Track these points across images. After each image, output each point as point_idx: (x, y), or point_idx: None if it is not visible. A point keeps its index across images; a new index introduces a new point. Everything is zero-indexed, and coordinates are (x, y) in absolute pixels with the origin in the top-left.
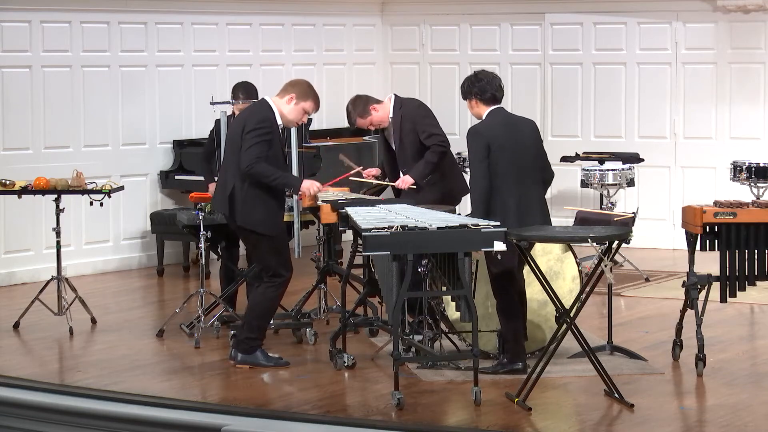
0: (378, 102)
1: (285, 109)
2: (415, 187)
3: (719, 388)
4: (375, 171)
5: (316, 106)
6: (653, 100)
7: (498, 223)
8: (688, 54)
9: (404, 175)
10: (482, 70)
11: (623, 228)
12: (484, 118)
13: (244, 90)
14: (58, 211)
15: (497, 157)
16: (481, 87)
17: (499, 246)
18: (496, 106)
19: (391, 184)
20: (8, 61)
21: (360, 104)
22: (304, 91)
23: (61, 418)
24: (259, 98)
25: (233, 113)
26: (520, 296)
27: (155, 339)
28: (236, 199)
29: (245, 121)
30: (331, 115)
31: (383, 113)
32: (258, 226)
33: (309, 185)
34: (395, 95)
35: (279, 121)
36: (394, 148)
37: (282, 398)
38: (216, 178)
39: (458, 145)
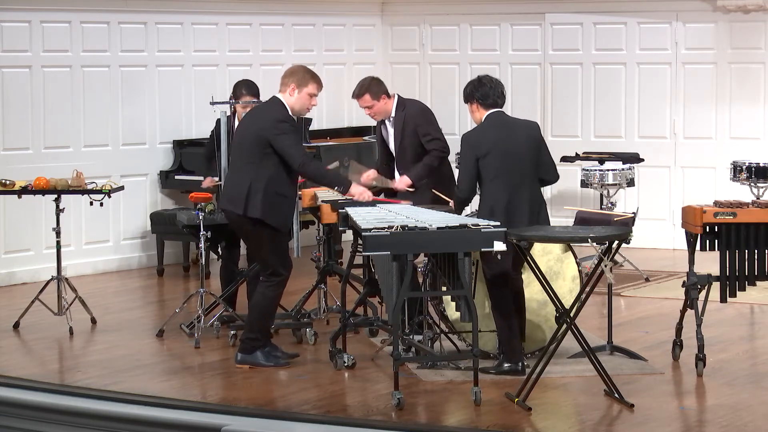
0: (389, 96)
1: (291, 102)
2: (412, 189)
3: (719, 388)
4: (372, 173)
5: (319, 85)
6: (653, 100)
7: (498, 223)
8: (688, 54)
9: (401, 176)
10: (486, 75)
11: (623, 228)
12: (482, 121)
13: (247, 87)
14: (58, 211)
15: (486, 162)
16: (484, 92)
17: (499, 246)
18: (496, 110)
19: (389, 184)
20: (8, 61)
21: (377, 86)
22: (302, 76)
23: (61, 418)
24: (260, 95)
25: (234, 113)
26: (518, 296)
27: (155, 339)
28: (253, 195)
29: (262, 121)
30: (331, 115)
31: (388, 108)
32: (274, 220)
33: (362, 191)
34: (398, 95)
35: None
36: (392, 148)
37: (282, 398)
38: (214, 177)
39: (458, 146)
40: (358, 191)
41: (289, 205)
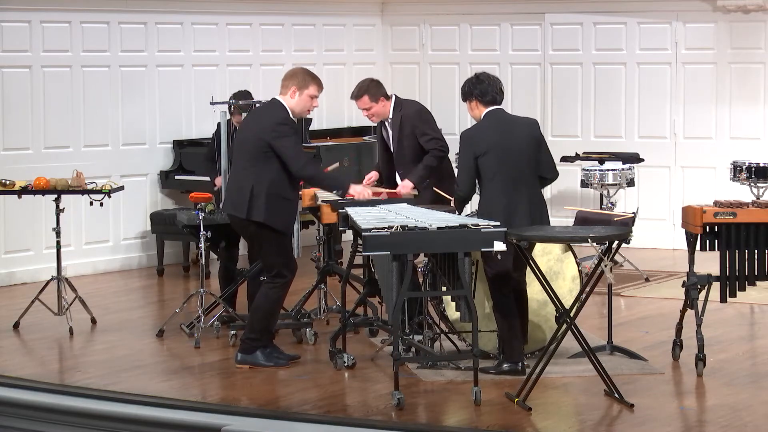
0: (388, 98)
1: (292, 104)
2: (416, 192)
3: (719, 388)
4: (374, 176)
5: (320, 86)
6: (653, 100)
7: (498, 223)
8: (688, 54)
9: (401, 178)
10: (483, 72)
11: (623, 228)
12: (481, 119)
13: (244, 99)
14: (58, 211)
15: (486, 161)
16: (483, 89)
17: (499, 246)
18: (495, 108)
19: (392, 191)
20: (8, 61)
21: (375, 88)
22: (303, 78)
23: (61, 418)
24: (260, 99)
25: (230, 120)
26: (520, 295)
27: (155, 339)
28: (256, 198)
29: (263, 123)
30: (331, 115)
31: (386, 110)
32: (277, 223)
33: (362, 190)
34: (395, 96)
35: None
36: (391, 149)
37: (282, 398)
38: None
39: (458, 146)
40: (357, 191)
41: (292, 208)
